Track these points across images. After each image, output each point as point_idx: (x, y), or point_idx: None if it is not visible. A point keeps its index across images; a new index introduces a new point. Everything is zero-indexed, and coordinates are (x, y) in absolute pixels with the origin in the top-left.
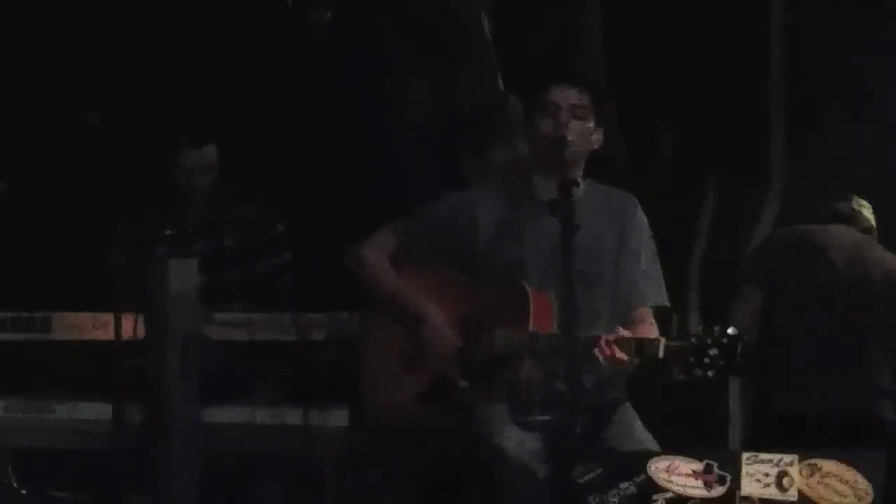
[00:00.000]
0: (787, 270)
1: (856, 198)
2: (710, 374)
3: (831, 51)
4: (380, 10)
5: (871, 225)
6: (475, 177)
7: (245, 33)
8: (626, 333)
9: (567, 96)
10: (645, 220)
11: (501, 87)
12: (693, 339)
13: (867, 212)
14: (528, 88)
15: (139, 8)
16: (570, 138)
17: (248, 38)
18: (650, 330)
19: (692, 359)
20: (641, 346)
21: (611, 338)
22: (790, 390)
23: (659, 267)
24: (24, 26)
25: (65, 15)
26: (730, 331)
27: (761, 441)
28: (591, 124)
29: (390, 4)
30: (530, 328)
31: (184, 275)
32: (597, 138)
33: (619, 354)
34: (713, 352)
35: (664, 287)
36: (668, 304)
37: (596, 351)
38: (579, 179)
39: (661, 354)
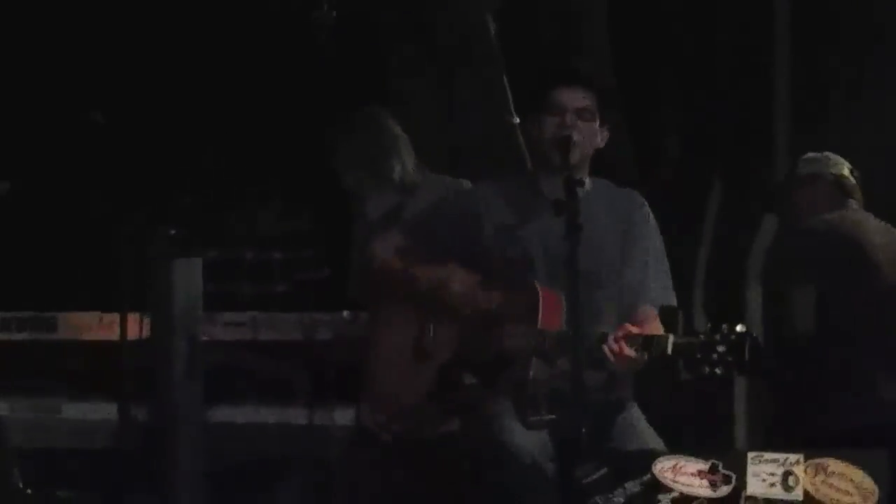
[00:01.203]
0: (836, 270)
1: (833, 157)
2: (717, 371)
3: (836, 48)
4: (384, 10)
5: None
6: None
7: (253, 37)
8: (634, 330)
9: (573, 98)
10: (652, 218)
11: (507, 89)
12: (701, 336)
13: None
14: (532, 88)
15: (144, 10)
16: (576, 140)
17: (256, 42)
18: (655, 329)
19: (700, 356)
20: (649, 343)
21: (619, 334)
22: (855, 394)
23: (667, 266)
24: (30, 26)
25: (69, 14)
26: (738, 328)
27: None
28: (597, 124)
29: (395, 5)
30: (539, 326)
31: (189, 275)
32: (602, 137)
33: (628, 351)
34: (721, 349)
35: (671, 286)
36: (675, 304)
37: (605, 348)
38: (584, 179)
39: (669, 351)
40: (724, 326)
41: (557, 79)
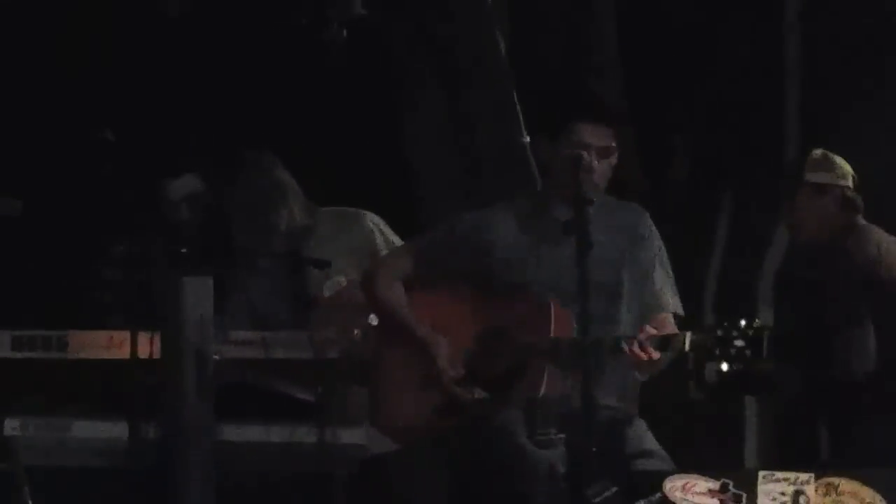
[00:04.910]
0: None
1: (840, 165)
2: (735, 366)
3: (846, 64)
4: (394, 28)
5: None
6: None
7: (259, 52)
8: (652, 332)
9: (596, 136)
10: (655, 229)
11: (517, 107)
12: (718, 332)
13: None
14: (552, 115)
15: (153, 29)
16: (595, 178)
17: (262, 56)
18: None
19: (718, 351)
20: (667, 342)
21: (641, 336)
22: None
23: (671, 272)
24: (41, 46)
25: (81, 33)
26: (755, 322)
27: None
28: (615, 158)
29: (405, 23)
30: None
31: (199, 293)
32: (614, 158)
33: (653, 354)
34: (739, 343)
35: (677, 292)
36: (682, 313)
37: (626, 347)
38: (592, 196)
39: (686, 347)
40: (742, 321)
41: (582, 114)
